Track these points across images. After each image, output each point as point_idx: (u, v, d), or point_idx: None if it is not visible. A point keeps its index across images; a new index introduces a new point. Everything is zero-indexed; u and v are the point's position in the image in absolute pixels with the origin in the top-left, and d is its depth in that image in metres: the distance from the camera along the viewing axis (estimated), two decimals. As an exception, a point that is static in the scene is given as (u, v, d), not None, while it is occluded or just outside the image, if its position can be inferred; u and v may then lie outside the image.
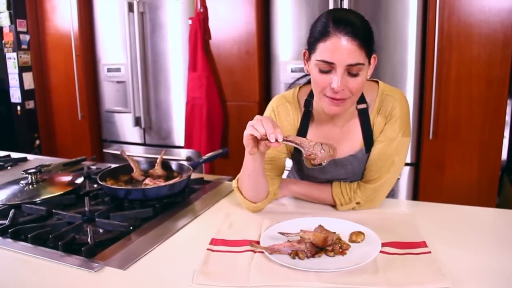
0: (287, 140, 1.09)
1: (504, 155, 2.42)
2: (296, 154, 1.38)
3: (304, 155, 1.10)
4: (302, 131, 1.33)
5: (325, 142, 1.11)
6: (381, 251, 1.00)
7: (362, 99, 1.26)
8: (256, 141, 1.13)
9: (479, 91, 2.35)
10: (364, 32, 1.10)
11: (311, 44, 1.14)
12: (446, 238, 1.10)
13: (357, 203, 1.29)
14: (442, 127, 2.45)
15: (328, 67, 1.10)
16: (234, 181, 1.34)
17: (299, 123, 1.33)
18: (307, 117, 1.33)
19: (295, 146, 1.11)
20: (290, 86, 1.42)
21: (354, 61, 1.08)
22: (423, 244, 1.04)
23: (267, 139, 1.06)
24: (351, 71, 1.10)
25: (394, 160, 1.27)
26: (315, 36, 1.12)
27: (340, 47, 1.07)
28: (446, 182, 2.50)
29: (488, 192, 2.43)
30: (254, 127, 1.09)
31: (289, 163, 1.48)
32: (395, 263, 0.96)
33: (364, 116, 1.28)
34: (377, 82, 1.31)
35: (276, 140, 1.05)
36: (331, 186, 1.32)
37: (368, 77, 1.18)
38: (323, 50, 1.09)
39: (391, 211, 1.30)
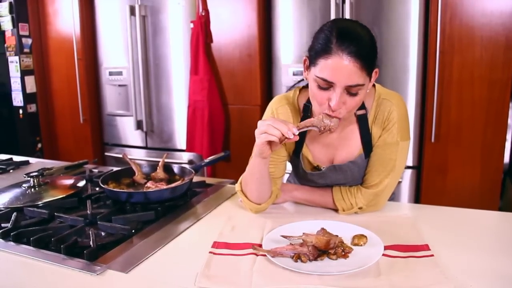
0: (300, 129, 1.11)
1: (507, 158, 2.42)
2: (294, 159, 1.38)
3: (320, 132, 1.12)
4: (300, 136, 1.32)
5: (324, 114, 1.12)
6: (383, 254, 1.00)
7: (361, 105, 1.25)
8: (270, 144, 1.14)
9: (481, 94, 2.34)
10: (368, 52, 1.07)
11: (312, 57, 1.11)
12: (448, 241, 1.09)
13: (359, 208, 1.29)
14: (444, 130, 2.45)
15: (327, 85, 1.08)
16: (237, 185, 1.34)
17: None
18: None
19: (310, 129, 1.13)
20: (290, 89, 1.42)
21: (354, 82, 1.06)
22: (425, 247, 1.04)
23: (285, 138, 1.08)
24: (350, 90, 1.08)
25: (394, 165, 1.27)
26: (317, 50, 1.08)
27: (341, 67, 1.04)
28: (448, 185, 2.50)
29: (491, 195, 2.42)
30: (269, 133, 1.08)
31: (289, 166, 1.48)
32: (398, 266, 0.96)
33: (363, 122, 1.27)
34: (373, 85, 1.29)
35: (294, 134, 1.07)
36: (332, 191, 1.32)
37: (367, 90, 1.16)
38: (324, 68, 1.06)
39: (394, 214, 1.30)
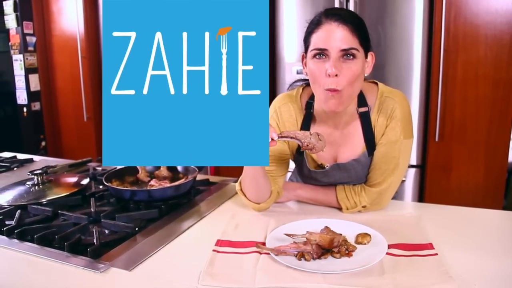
0: (282, 137, 1.08)
1: (511, 157, 2.41)
2: (298, 157, 1.37)
3: (302, 147, 1.09)
4: None
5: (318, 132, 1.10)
6: (387, 253, 0.99)
7: (363, 102, 1.25)
8: None
9: (486, 92, 2.33)
10: (357, 21, 1.13)
11: (306, 39, 1.17)
12: (452, 240, 1.09)
13: (363, 206, 1.28)
14: (448, 129, 2.44)
15: (322, 54, 1.11)
16: (237, 184, 1.34)
17: (301, 126, 1.33)
18: (308, 120, 1.31)
19: (291, 140, 1.10)
20: (289, 87, 1.42)
21: (347, 45, 1.09)
22: (429, 246, 1.04)
23: None
24: (346, 57, 1.10)
25: (398, 163, 1.26)
26: (309, 31, 1.16)
27: (333, 33, 1.10)
28: (452, 184, 2.49)
29: (495, 194, 2.41)
30: None
31: (292, 164, 1.47)
32: (402, 265, 0.96)
33: (365, 119, 1.26)
34: (376, 84, 1.29)
35: (272, 139, 1.04)
36: (335, 190, 1.32)
37: (366, 74, 1.18)
38: (317, 39, 1.12)
39: (397, 213, 1.29)
